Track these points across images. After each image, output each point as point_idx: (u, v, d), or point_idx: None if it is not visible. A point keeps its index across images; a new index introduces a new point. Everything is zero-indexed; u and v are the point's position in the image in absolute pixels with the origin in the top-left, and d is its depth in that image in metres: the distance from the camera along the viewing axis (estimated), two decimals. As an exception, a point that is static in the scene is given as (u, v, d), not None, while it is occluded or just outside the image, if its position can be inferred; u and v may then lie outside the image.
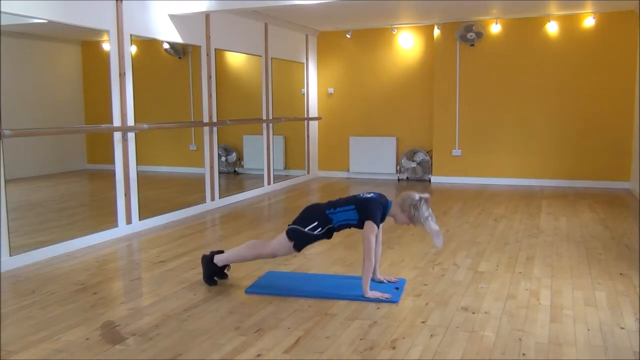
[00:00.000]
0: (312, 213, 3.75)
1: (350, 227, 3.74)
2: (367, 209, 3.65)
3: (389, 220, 3.82)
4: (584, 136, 8.35)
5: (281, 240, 3.76)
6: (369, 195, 3.75)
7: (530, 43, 8.46)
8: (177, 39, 6.35)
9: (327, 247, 4.88)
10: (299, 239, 3.71)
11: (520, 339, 3.00)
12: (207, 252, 4.06)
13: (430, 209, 3.67)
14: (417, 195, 3.68)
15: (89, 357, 2.85)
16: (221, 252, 3.98)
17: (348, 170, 9.75)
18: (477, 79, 8.78)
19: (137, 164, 5.69)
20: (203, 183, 6.92)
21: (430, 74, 9.12)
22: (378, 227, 3.68)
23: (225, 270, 4.02)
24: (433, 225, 3.64)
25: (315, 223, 3.69)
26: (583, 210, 6.62)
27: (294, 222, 3.76)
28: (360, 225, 3.68)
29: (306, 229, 3.68)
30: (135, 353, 2.88)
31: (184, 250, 4.93)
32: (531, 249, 4.89)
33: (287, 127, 9.00)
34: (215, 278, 3.96)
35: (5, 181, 4.32)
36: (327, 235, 3.76)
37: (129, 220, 5.64)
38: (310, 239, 3.73)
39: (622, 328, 3.15)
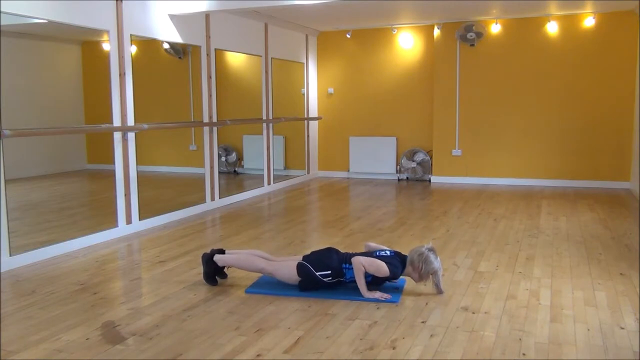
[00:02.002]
0: (329, 260, 3.72)
1: None
2: None
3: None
4: (584, 136, 8.35)
5: (289, 268, 3.74)
6: (383, 254, 3.74)
7: (531, 43, 8.46)
8: (177, 39, 6.35)
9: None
10: (308, 281, 3.71)
11: (520, 339, 3.00)
12: (207, 250, 4.06)
13: (439, 259, 3.68)
14: (423, 248, 3.70)
15: (89, 357, 2.85)
16: (222, 251, 3.98)
17: (348, 170, 9.75)
18: (477, 79, 8.78)
19: (137, 164, 5.69)
20: (203, 183, 6.92)
21: (430, 74, 9.12)
22: (395, 276, 3.68)
23: (225, 270, 4.02)
24: (439, 280, 3.68)
25: (329, 272, 3.69)
26: (583, 210, 6.62)
27: (309, 259, 3.74)
28: (373, 282, 3.70)
29: (318, 273, 3.68)
30: (135, 353, 2.88)
31: (184, 250, 4.93)
32: (531, 249, 4.89)
33: (287, 127, 9.00)
34: (216, 277, 3.96)
35: (5, 181, 4.33)
36: (336, 285, 3.76)
37: (129, 220, 5.64)
38: (318, 285, 3.72)
39: (622, 328, 3.15)
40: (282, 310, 3.46)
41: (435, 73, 9.01)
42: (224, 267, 3.97)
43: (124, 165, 5.56)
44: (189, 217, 6.47)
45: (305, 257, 3.79)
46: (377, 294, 3.60)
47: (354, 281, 3.67)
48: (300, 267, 3.71)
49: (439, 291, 3.72)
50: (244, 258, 3.90)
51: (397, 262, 3.69)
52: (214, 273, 3.94)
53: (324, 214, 6.76)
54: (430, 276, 3.68)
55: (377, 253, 3.76)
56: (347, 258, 3.73)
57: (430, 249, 3.68)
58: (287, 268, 3.75)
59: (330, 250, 3.82)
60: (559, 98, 8.44)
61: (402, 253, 3.81)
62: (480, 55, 8.73)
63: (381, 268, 3.61)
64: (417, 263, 3.64)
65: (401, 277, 3.77)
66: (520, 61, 8.55)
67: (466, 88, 8.85)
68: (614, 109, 8.17)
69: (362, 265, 3.61)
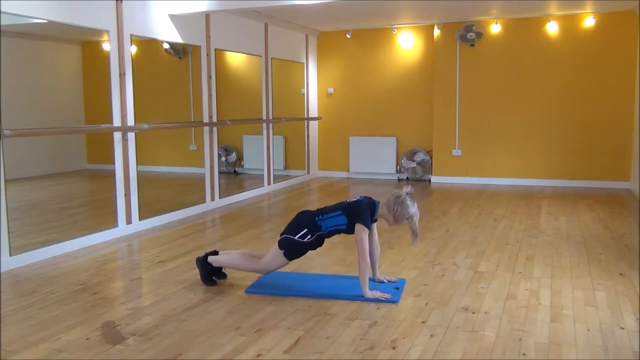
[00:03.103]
0: (302, 220, 3.76)
1: (340, 233, 3.75)
2: (354, 212, 3.66)
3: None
4: (584, 136, 8.35)
5: (274, 251, 3.76)
6: (355, 199, 3.77)
7: (531, 43, 8.46)
8: (177, 39, 6.35)
9: (327, 247, 4.87)
10: (289, 247, 3.72)
11: (520, 339, 3.00)
12: (201, 254, 4.07)
13: (415, 205, 3.66)
14: (401, 191, 3.69)
15: (89, 357, 2.85)
16: (215, 252, 3.98)
17: (348, 170, 9.75)
18: (477, 79, 8.78)
19: (137, 164, 5.69)
20: (203, 183, 6.92)
21: (430, 74, 9.12)
22: (368, 227, 3.68)
23: (223, 270, 4.02)
24: (415, 225, 3.66)
25: (305, 230, 3.70)
26: (583, 210, 6.62)
27: (285, 232, 3.77)
28: (349, 230, 3.69)
29: (296, 237, 3.70)
30: (135, 353, 2.88)
31: (184, 250, 4.93)
32: (531, 249, 4.89)
33: (287, 127, 9.00)
34: (214, 278, 3.96)
35: (5, 181, 4.33)
36: (318, 242, 3.77)
37: (129, 220, 5.64)
38: (301, 247, 3.73)
39: (622, 328, 3.15)
40: (282, 310, 3.46)
41: (435, 73, 9.01)
42: (220, 267, 3.97)
43: (124, 165, 5.56)
44: (189, 217, 6.47)
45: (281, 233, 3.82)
46: (377, 294, 3.60)
47: (334, 232, 3.70)
48: (280, 243, 3.73)
49: (415, 235, 3.70)
50: (236, 258, 3.92)
51: (366, 207, 3.67)
52: (210, 274, 3.95)
53: (324, 214, 6.75)
54: (406, 220, 3.65)
55: (348, 200, 3.78)
56: (319, 212, 3.75)
57: (409, 193, 3.67)
58: (272, 254, 3.77)
59: (300, 213, 3.86)
60: (559, 98, 8.44)
61: (372, 198, 3.80)
62: (480, 55, 8.72)
63: (363, 234, 3.59)
64: (392, 205, 3.63)
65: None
66: (520, 61, 8.55)
67: (466, 88, 8.85)
68: (614, 109, 8.17)
69: (365, 255, 3.59)
